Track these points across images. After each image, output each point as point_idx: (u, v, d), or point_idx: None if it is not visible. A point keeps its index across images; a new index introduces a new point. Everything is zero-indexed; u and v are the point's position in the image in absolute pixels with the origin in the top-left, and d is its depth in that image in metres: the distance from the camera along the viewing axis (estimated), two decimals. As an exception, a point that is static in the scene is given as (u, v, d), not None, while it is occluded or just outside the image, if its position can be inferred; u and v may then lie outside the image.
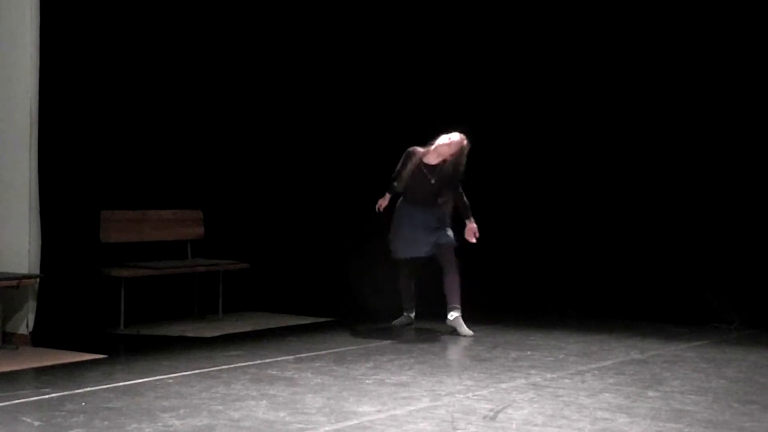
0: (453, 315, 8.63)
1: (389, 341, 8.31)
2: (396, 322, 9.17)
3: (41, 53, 8.45)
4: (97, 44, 8.88)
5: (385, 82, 10.81)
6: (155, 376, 6.76)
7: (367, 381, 6.28)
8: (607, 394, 6.22)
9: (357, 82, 10.88)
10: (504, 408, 5.77)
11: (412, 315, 9.21)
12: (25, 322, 8.40)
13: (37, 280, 8.38)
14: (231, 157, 10.51)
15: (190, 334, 8.77)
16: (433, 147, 8.66)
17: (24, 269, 8.40)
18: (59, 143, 8.53)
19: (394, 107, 10.67)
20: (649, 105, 10.04)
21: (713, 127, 9.66)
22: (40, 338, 8.27)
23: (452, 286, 8.63)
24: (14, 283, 8.25)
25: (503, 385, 6.22)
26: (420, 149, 8.74)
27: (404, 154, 8.79)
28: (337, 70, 10.98)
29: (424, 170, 8.69)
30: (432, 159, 8.68)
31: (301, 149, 10.93)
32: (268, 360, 7.37)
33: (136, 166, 9.63)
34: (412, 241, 8.75)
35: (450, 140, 8.60)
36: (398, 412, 5.75)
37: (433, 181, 8.66)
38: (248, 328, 9.15)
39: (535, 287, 10.22)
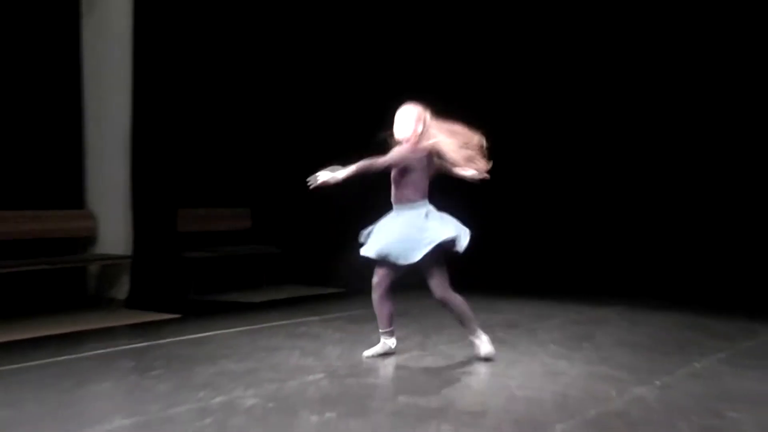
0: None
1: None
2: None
3: (133, 83, 8.42)
4: (175, 76, 8.82)
5: (405, 83, 9.57)
6: (216, 330, 6.77)
7: (372, 336, 6.27)
8: (552, 345, 6.22)
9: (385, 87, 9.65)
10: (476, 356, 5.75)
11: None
12: (122, 290, 8.43)
13: (131, 259, 8.42)
14: (271, 170, 10.43)
15: (242, 300, 8.77)
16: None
17: (121, 252, 8.43)
18: (147, 156, 8.53)
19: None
20: (646, 109, 9.47)
21: (691, 128, 9.16)
22: (133, 302, 8.29)
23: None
24: (114, 261, 8.35)
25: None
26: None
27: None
28: (364, 76, 10.05)
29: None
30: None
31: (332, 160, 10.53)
32: (299, 320, 7.35)
33: (203, 175, 9.62)
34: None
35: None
36: (397, 358, 5.76)
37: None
38: (284, 296, 9.14)
39: (500, 268, 10.02)
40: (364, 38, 10.05)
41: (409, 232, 5.35)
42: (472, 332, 5.61)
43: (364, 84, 9.89)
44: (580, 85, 9.77)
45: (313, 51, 10.17)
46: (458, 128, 5.48)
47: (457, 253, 5.41)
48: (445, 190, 5.67)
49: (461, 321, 5.61)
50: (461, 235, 5.39)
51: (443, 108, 5.49)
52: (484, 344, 5.58)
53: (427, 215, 5.39)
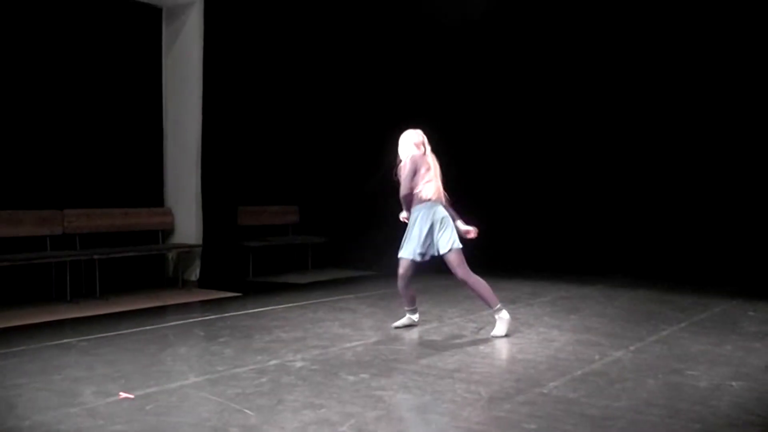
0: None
1: (414, 287, 8.24)
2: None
3: (202, 110, 8.52)
4: (233, 103, 8.90)
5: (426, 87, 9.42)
6: (270, 306, 6.79)
7: (398, 311, 6.28)
8: (545, 318, 6.20)
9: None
10: (484, 327, 5.77)
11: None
12: (195, 273, 8.49)
13: (201, 248, 8.47)
14: (315, 174, 10.44)
15: (291, 281, 8.79)
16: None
17: (193, 241, 8.49)
18: (213, 166, 8.62)
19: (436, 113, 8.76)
20: (616, 108, 9.01)
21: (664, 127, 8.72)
22: (203, 283, 8.35)
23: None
24: (188, 249, 8.38)
25: (484, 313, 6.21)
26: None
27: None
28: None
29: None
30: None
31: (368, 166, 9.81)
32: (338, 297, 7.36)
33: (258, 179, 9.63)
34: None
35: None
36: (421, 328, 5.76)
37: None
38: (327, 278, 9.14)
39: (501, 252, 9.93)
40: (388, 55, 9.77)
41: (417, 234, 5.36)
42: (492, 310, 5.40)
43: (397, 96, 9.65)
44: (571, 82, 9.31)
45: (354, 75, 10.00)
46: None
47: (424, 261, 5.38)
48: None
49: (481, 299, 5.42)
50: (430, 252, 5.33)
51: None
52: (498, 324, 5.39)
53: (432, 223, 5.31)
